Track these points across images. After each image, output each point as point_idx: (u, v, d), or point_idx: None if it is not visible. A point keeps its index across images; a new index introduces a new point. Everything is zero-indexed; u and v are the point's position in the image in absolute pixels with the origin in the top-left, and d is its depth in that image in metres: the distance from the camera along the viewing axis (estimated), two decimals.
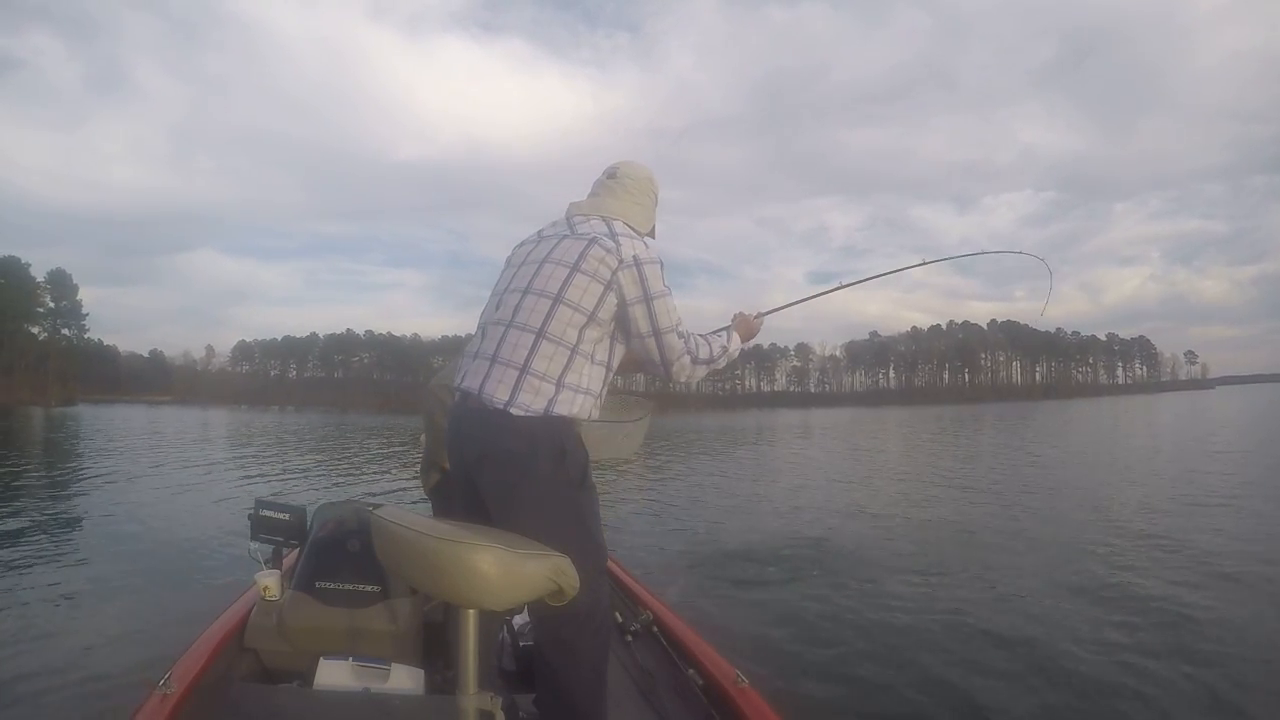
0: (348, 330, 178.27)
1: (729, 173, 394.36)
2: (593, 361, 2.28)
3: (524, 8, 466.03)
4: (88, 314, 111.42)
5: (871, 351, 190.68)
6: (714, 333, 2.65)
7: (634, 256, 2.28)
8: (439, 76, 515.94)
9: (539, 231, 2.50)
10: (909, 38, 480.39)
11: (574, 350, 2.24)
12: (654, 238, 2.64)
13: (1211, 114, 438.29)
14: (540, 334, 2.23)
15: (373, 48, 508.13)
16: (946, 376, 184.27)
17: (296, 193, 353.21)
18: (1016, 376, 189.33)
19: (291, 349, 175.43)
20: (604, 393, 2.38)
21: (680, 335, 2.37)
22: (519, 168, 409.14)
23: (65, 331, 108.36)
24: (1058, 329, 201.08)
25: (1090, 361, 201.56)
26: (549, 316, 2.24)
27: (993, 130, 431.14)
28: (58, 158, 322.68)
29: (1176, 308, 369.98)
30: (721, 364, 2.56)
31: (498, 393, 2.20)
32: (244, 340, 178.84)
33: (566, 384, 2.22)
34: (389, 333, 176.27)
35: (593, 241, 2.29)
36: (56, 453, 22.36)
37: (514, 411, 2.18)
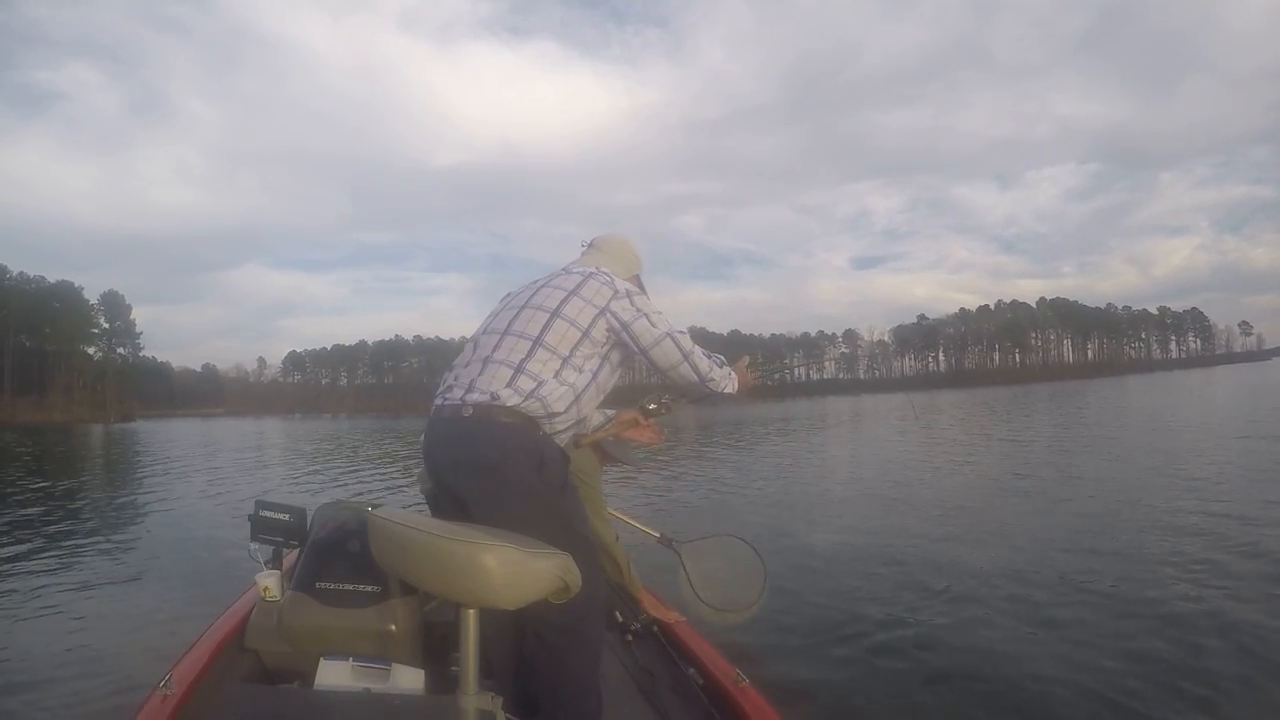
0: (396, 336, 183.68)
1: (766, 161, 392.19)
2: (580, 372, 2.37)
3: (552, 9, 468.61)
4: (141, 333, 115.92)
5: (920, 335, 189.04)
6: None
7: (626, 290, 2.46)
8: (472, 82, 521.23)
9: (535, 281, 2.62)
10: (939, 14, 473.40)
11: (566, 361, 2.34)
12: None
13: (1253, 75, 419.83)
14: (537, 341, 2.32)
15: (405, 58, 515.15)
16: (996, 357, 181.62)
17: (338, 205, 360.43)
18: (1068, 355, 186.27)
19: (342, 357, 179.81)
20: (592, 400, 2.46)
21: (681, 332, 2.47)
22: (557, 168, 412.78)
23: (120, 351, 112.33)
24: (1108, 304, 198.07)
25: (1143, 336, 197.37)
26: (546, 327, 2.34)
27: (1031, 104, 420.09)
28: (104, 184, 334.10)
29: (1228, 277, 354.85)
30: (722, 383, 2.58)
31: (491, 385, 2.25)
32: (295, 351, 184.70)
33: (560, 378, 2.31)
34: (437, 336, 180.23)
35: (590, 276, 2.46)
36: (94, 468, 23.00)
37: (504, 394, 2.23)
